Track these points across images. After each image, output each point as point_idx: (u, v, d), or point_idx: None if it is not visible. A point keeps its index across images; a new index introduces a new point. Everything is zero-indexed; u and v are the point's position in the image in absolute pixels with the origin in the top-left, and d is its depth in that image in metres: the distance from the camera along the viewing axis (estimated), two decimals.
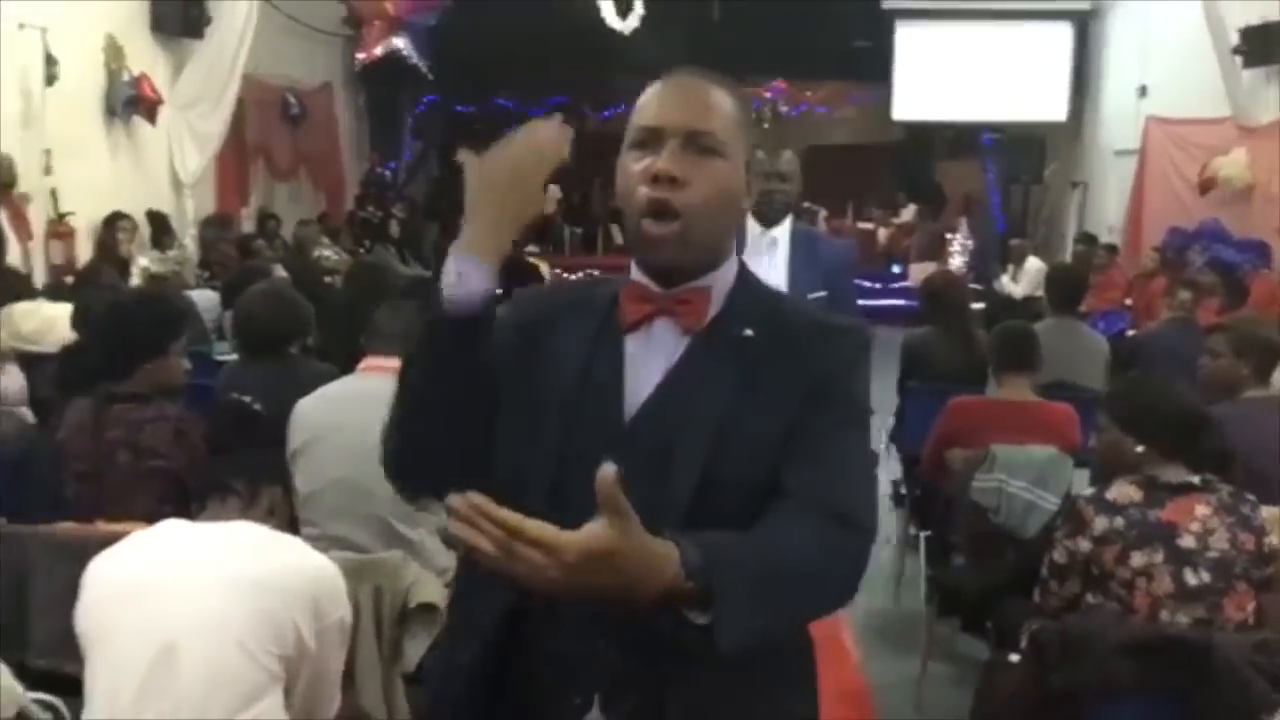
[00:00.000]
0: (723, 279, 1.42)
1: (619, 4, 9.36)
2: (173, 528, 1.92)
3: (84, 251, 7.64)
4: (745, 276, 1.45)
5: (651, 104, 1.38)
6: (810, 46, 13.18)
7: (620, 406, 1.38)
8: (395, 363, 2.86)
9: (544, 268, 6.41)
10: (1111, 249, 10.02)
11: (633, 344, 1.41)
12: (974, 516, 3.42)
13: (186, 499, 2.48)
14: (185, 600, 1.78)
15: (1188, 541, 2.23)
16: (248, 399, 2.27)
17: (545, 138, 1.31)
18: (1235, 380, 3.20)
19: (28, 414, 4.17)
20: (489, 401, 1.35)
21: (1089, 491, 2.39)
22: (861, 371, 1.41)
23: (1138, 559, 2.23)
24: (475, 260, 1.27)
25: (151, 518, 2.39)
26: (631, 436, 1.36)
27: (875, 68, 13.15)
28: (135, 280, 7.35)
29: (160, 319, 2.79)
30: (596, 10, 9.53)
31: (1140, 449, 2.35)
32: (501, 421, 1.38)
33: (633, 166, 1.37)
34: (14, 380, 4.28)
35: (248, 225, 10.29)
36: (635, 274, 1.43)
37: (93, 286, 4.96)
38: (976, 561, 3.38)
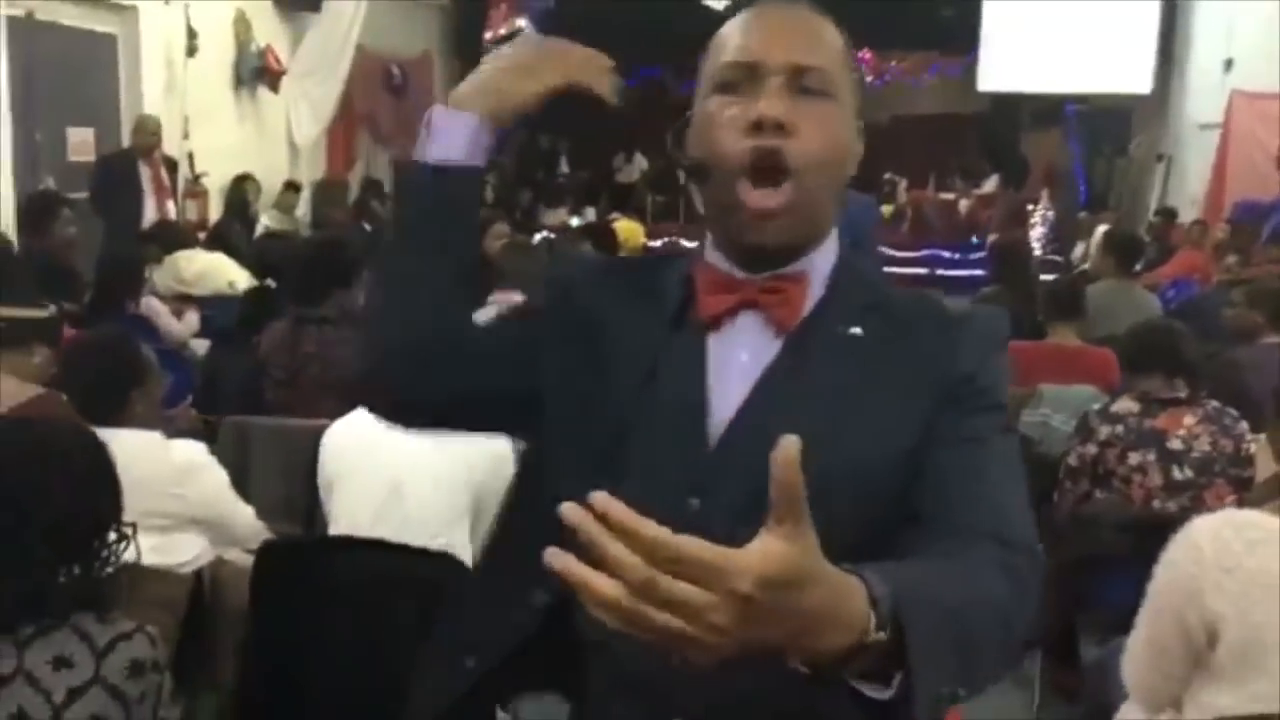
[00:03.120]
0: (822, 261, 1.15)
1: None
2: None
3: (214, 210, 8.43)
4: (847, 258, 1.18)
5: (742, 36, 1.13)
6: (898, 15, 13.46)
7: (703, 424, 1.10)
8: (516, 296, 3.52)
9: (637, 229, 6.94)
10: (1203, 225, 10.17)
11: (713, 344, 1.14)
12: (1021, 447, 3.91)
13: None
14: (409, 449, 2.39)
15: (1175, 444, 2.74)
16: None
17: (595, 66, 1.21)
18: (1251, 328, 3.64)
19: (199, 347, 4.87)
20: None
21: (1097, 406, 2.89)
22: (1002, 366, 1.15)
23: (1134, 458, 2.74)
24: (457, 113, 1.19)
25: (336, 417, 3.02)
26: (718, 463, 1.09)
27: (961, 38, 13.35)
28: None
29: (347, 258, 3.43)
30: None
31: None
32: (543, 441, 1.20)
33: (721, 113, 1.10)
34: (191, 322, 4.99)
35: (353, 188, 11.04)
36: (710, 253, 1.17)
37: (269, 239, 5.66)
38: None
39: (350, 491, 2.42)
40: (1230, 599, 1.77)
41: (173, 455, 2.41)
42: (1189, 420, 2.77)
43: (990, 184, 14.30)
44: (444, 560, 2.24)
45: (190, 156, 8.13)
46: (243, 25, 8.80)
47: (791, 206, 1.08)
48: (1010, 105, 14.62)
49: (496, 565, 1.23)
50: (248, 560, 2.39)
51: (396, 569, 2.17)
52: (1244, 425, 2.78)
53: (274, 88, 9.13)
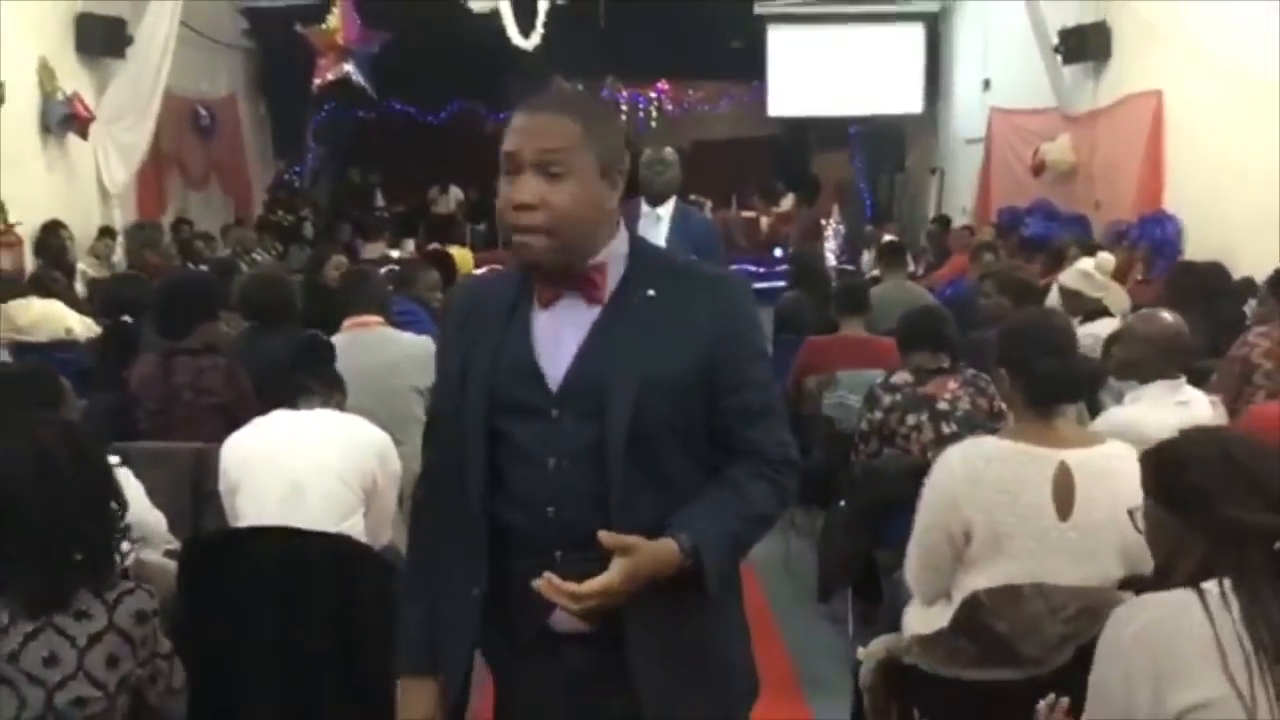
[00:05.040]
0: (615, 253, 1.65)
1: (521, 23, 10.30)
2: (281, 414, 2.87)
3: (28, 258, 8.30)
4: (638, 245, 1.70)
5: (509, 133, 1.59)
6: (690, 49, 14.31)
7: (540, 377, 1.61)
8: (371, 318, 3.85)
9: (468, 256, 7.35)
10: (970, 230, 11.27)
11: (548, 320, 1.64)
12: (825, 425, 4.50)
13: (234, 425, 3.37)
14: (304, 452, 2.73)
15: (943, 405, 3.35)
16: (319, 333, 3.18)
17: None
18: (1001, 311, 4.33)
19: None
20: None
21: (880, 379, 3.48)
22: (751, 309, 1.71)
23: (911, 419, 3.34)
24: None
25: (210, 440, 3.30)
26: (561, 400, 1.61)
27: (751, 67, 14.32)
28: (79, 284, 8.08)
29: (211, 292, 3.70)
30: (496, 23, 10.46)
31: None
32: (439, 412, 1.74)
33: (503, 191, 1.60)
34: None
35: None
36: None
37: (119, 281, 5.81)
38: (827, 458, 4.45)
39: (255, 492, 2.74)
40: (978, 505, 2.33)
41: None
42: (952, 385, 3.39)
43: (787, 202, 15.28)
44: (347, 542, 2.60)
45: (1, 206, 8.01)
46: (47, 73, 8.69)
47: (548, 249, 1.58)
48: (799, 129, 15.67)
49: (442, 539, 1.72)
50: (165, 560, 2.67)
51: (307, 551, 2.52)
52: (994, 388, 3.40)
53: (83, 134, 9.03)
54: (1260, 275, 5.98)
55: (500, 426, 1.63)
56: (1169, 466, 1.73)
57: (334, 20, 9.95)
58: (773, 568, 4.59)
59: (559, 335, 1.64)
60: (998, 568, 2.30)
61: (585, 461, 1.59)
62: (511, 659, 1.69)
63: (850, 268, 12.24)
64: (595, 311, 1.64)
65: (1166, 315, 3.27)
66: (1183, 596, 1.59)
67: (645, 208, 4.30)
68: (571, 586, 1.50)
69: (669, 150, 4.42)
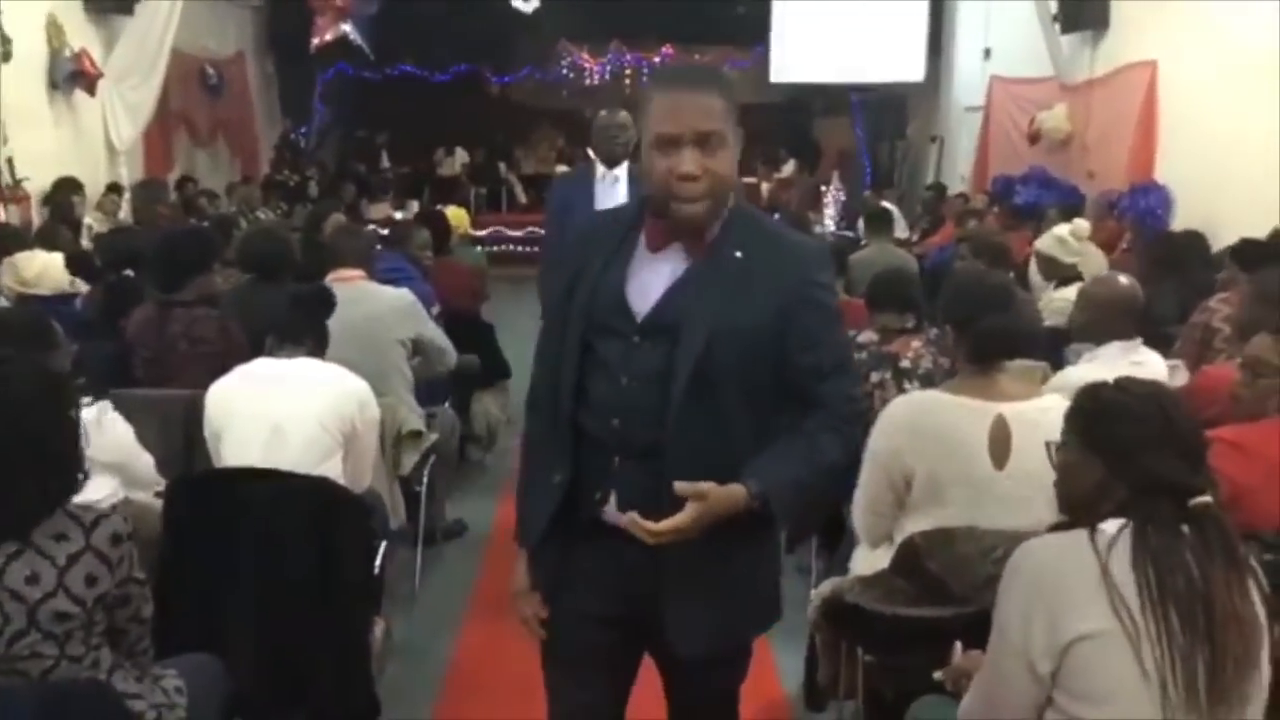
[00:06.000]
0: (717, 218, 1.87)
1: None
2: (263, 361, 3.01)
3: (35, 213, 8.43)
4: (736, 209, 1.90)
5: (666, 115, 1.80)
6: (694, 13, 14.33)
7: (628, 308, 1.86)
8: (353, 272, 3.96)
9: (463, 215, 7.47)
10: (964, 197, 11.36)
11: (651, 261, 1.88)
12: None
13: (225, 373, 3.51)
14: (285, 397, 2.87)
15: (905, 364, 3.48)
16: (324, 284, 3.33)
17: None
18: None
19: None
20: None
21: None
22: (827, 275, 1.93)
23: (875, 377, 3.47)
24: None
25: (205, 385, 3.44)
26: (643, 330, 1.85)
27: (754, 33, 14.36)
28: (85, 240, 8.21)
29: (206, 247, 3.84)
30: None
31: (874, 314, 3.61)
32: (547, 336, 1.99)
33: (660, 164, 1.81)
34: None
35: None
36: (649, 218, 1.91)
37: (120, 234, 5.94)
38: None
39: (238, 437, 2.88)
40: (918, 454, 2.47)
41: (83, 412, 2.80)
42: (916, 344, 3.53)
43: (788, 168, 15.34)
44: (327, 483, 2.75)
45: (10, 161, 8.14)
46: (55, 29, 8.77)
47: (706, 212, 1.83)
48: (802, 95, 15.68)
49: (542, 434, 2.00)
50: (152, 500, 2.83)
51: (288, 491, 2.67)
52: None
53: (90, 91, 9.12)
54: None
55: (590, 342, 1.90)
56: (1105, 413, 1.79)
57: None
58: None
59: (656, 276, 1.88)
60: (936, 514, 2.44)
61: (652, 385, 1.83)
62: (570, 537, 1.96)
63: (849, 234, 12.34)
64: (690, 261, 1.87)
65: (1121, 278, 3.39)
66: (1077, 535, 1.72)
67: (601, 169, 4.33)
68: (650, 525, 1.74)
69: (624, 114, 4.38)
